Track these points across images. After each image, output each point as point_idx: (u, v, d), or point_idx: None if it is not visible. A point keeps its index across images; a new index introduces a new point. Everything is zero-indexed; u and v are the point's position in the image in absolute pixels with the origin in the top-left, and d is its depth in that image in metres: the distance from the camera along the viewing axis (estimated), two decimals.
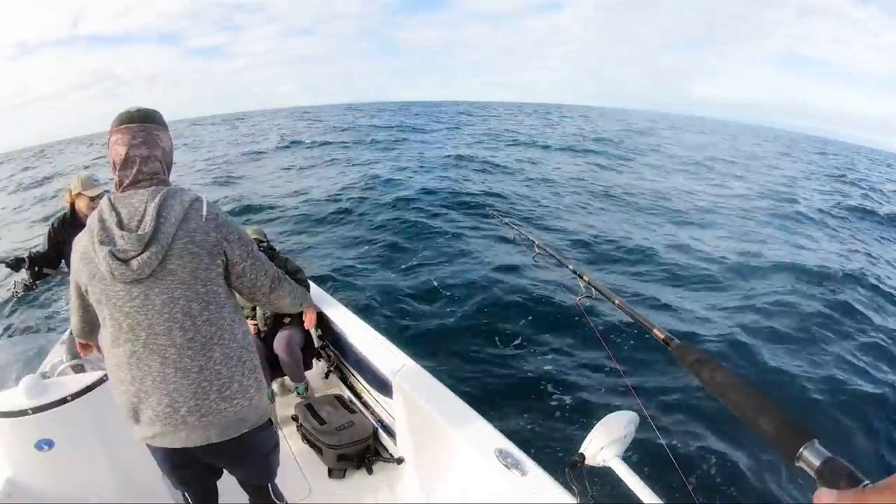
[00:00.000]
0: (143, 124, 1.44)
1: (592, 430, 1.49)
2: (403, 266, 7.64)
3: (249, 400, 1.49)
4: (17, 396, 1.82)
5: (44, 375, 2.09)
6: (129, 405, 1.42)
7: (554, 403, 4.25)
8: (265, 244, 3.27)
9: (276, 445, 1.80)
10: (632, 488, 1.29)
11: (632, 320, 1.34)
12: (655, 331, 1.17)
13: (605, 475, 1.43)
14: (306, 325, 2.23)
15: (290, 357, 3.07)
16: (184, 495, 1.79)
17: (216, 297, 1.44)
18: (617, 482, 1.37)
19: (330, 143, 24.98)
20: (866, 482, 0.51)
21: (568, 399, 4.30)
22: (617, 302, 1.47)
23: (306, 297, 1.89)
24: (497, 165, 16.97)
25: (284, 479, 2.65)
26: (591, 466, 1.45)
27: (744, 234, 10.45)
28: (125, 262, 1.31)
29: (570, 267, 1.89)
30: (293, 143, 25.84)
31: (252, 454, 1.66)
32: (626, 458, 1.42)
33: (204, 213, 1.43)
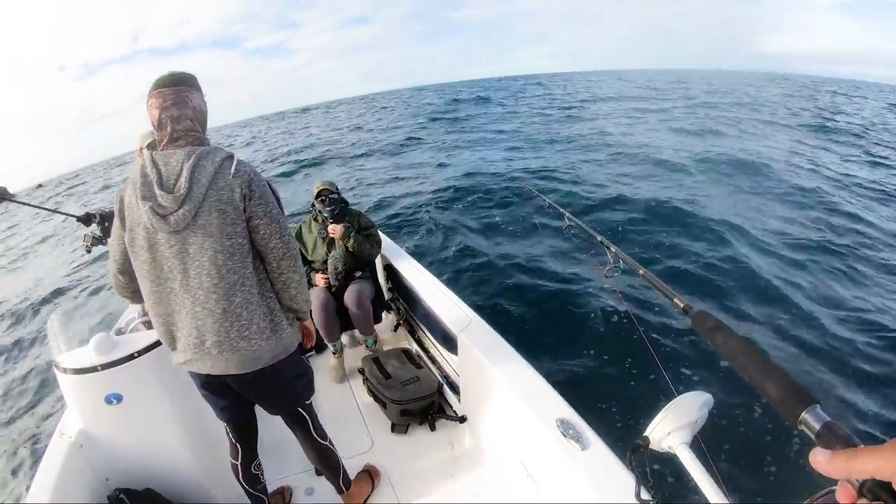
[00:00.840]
0: (173, 87, 1.59)
1: (661, 412, 1.34)
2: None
3: (266, 340, 1.65)
4: (87, 353, 1.91)
5: (119, 332, 2.20)
6: (168, 334, 1.65)
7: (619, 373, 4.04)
8: (335, 195, 3.26)
9: (304, 374, 1.94)
10: (696, 480, 1.16)
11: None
12: (676, 300, 1.21)
13: (670, 462, 1.28)
14: (305, 343, 2.03)
15: (359, 310, 3.07)
16: (226, 430, 2.00)
17: (240, 249, 1.58)
18: (681, 472, 1.23)
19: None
20: (860, 446, 0.49)
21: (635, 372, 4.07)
22: (641, 272, 1.49)
23: (307, 298, 1.80)
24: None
25: (348, 432, 2.72)
26: (654, 451, 1.31)
27: None
28: (164, 217, 1.51)
29: (599, 238, 1.90)
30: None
31: (275, 384, 1.82)
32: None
33: (231, 171, 1.58)
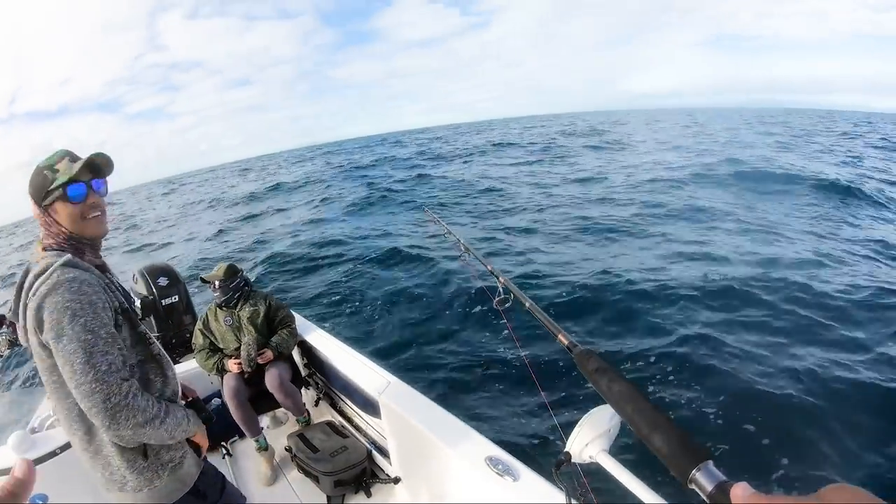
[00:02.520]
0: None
1: (576, 427, 1.50)
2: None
3: (117, 492, 1.47)
4: (5, 453, 1.83)
5: (33, 430, 2.10)
6: None
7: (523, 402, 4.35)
8: (229, 282, 3.14)
9: None
10: (622, 482, 1.26)
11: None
12: (560, 336, 1.20)
13: (594, 472, 1.39)
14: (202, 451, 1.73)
15: (285, 395, 3.02)
16: None
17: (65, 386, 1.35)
18: (606, 477, 1.33)
19: None
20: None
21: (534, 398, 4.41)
22: (528, 305, 1.49)
23: (148, 433, 1.36)
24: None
25: None
26: (578, 464, 1.47)
27: None
28: None
29: (489, 267, 1.94)
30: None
31: None
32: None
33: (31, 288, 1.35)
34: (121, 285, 1.57)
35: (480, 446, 2.08)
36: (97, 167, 1.45)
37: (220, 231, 16.13)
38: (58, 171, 1.38)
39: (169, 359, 1.56)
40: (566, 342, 1.17)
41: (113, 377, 1.27)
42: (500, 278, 1.75)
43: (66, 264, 1.33)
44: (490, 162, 24.56)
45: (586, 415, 1.41)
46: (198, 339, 3.20)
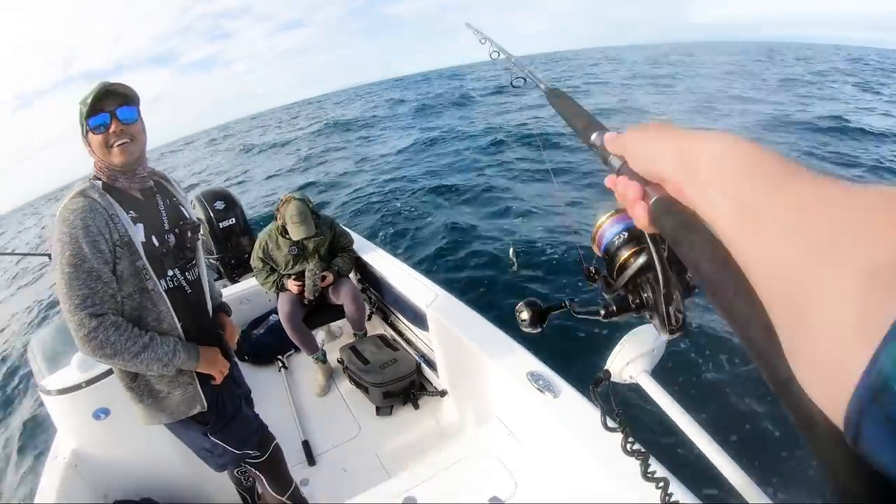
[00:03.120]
0: None
1: (618, 344, 1.39)
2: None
3: (134, 405, 1.63)
4: (71, 372, 1.94)
5: None
6: None
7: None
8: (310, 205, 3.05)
9: (209, 450, 1.79)
10: (662, 406, 1.19)
11: None
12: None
13: (635, 392, 1.32)
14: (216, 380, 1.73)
15: (357, 306, 3.05)
16: None
17: None
18: (647, 400, 1.26)
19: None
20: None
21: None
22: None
23: (140, 360, 1.46)
24: None
25: (335, 421, 2.78)
26: (617, 383, 1.37)
27: None
28: None
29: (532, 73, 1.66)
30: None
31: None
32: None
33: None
34: (179, 206, 1.69)
35: (523, 360, 2.03)
36: (120, 96, 1.47)
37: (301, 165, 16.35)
38: (87, 103, 1.44)
39: (163, 295, 1.54)
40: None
41: (84, 311, 1.35)
42: (542, 84, 1.54)
43: (76, 195, 1.43)
44: None
45: (630, 332, 1.33)
46: (256, 262, 3.17)
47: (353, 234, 3.54)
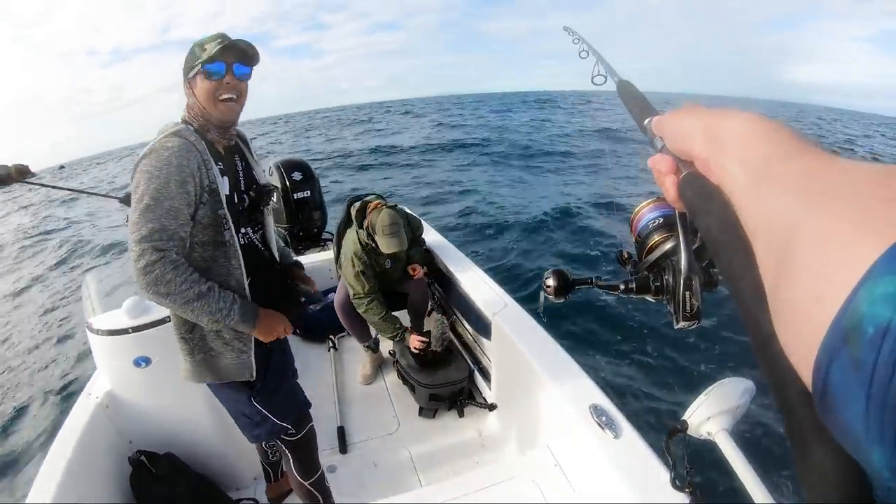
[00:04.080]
0: None
1: (700, 396, 1.26)
2: None
3: (184, 357, 1.59)
4: (120, 316, 1.94)
5: None
6: None
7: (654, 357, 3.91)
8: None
9: (248, 416, 1.70)
10: (736, 470, 1.08)
11: None
12: None
13: (708, 450, 1.20)
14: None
15: (421, 298, 2.97)
16: None
17: None
18: (719, 460, 1.15)
19: None
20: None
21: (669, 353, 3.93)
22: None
23: (193, 307, 1.38)
24: None
25: (375, 413, 2.68)
26: (692, 437, 1.23)
27: None
28: None
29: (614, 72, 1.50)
30: None
31: (225, 406, 1.77)
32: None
33: None
34: (252, 169, 1.67)
35: (588, 391, 1.88)
36: (241, 52, 1.47)
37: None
38: (206, 49, 1.42)
39: (238, 249, 1.50)
40: None
41: (149, 243, 1.30)
42: (615, 77, 1.45)
43: (171, 134, 1.41)
44: None
45: (715, 384, 1.24)
46: (360, 286, 2.67)
47: (424, 224, 3.44)
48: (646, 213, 0.64)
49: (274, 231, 1.77)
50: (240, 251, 1.50)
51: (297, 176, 3.77)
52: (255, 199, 1.63)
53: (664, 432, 1.27)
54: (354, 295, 2.70)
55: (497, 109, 42.70)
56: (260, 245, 1.65)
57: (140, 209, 1.31)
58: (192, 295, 1.36)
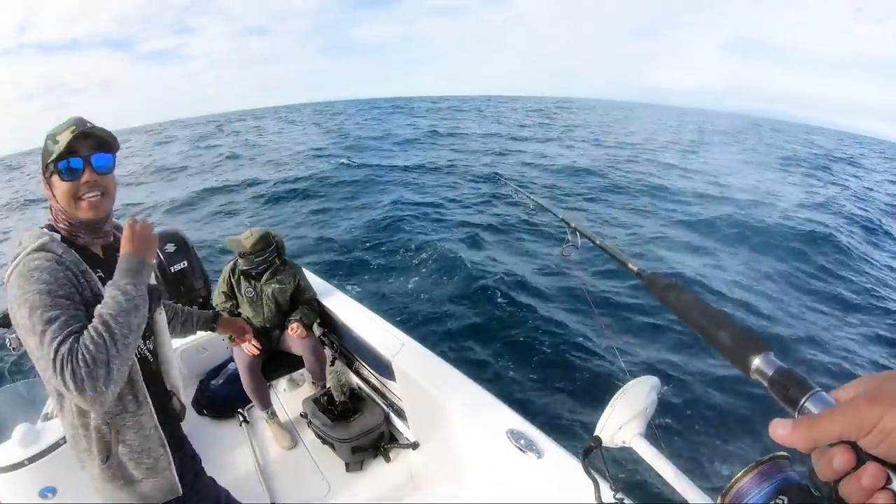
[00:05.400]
0: None
1: (608, 407, 1.32)
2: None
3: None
4: (12, 448, 1.78)
5: (46, 417, 2.04)
6: None
7: (558, 369, 4.16)
8: (264, 254, 2.86)
9: None
10: (661, 473, 1.13)
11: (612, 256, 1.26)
12: (630, 264, 1.14)
13: (630, 454, 1.25)
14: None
15: (316, 359, 2.93)
16: None
17: None
18: (641, 462, 1.19)
19: None
20: (816, 389, 0.48)
21: (571, 361, 4.21)
22: (598, 242, 1.39)
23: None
24: None
25: (302, 479, 2.65)
26: (609, 448, 1.27)
27: None
28: None
29: (558, 214, 1.73)
30: None
31: None
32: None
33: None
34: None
35: (502, 416, 1.95)
36: (98, 140, 1.28)
37: None
38: (58, 141, 1.23)
39: (136, 363, 1.34)
40: (635, 269, 1.11)
41: (54, 332, 1.09)
42: (572, 223, 1.62)
43: (34, 250, 1.20)
44: None
45: (619, 391, 1.26)
46: (218, 300, 3.02)
47: (310, 274, 3.41)
48: (751, 487, 0.52)
49: (167, 331, 1.58)
50: (137, 366, 1.33)
51: (169, 248, 3.56)
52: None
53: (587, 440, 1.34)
54: (215, 303, 3.06)
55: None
56: (150, 356, 1.47)
57: (29, 327, 1.09)
58: (124, 333, 1.13)
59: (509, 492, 1.93)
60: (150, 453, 1.39)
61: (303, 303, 3.02)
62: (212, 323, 1.89)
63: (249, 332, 1.89)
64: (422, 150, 20.05)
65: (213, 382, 3.30)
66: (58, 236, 1.27)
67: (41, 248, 1.21)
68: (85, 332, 1.11)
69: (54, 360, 1.05)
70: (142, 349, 1.44)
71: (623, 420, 1.20)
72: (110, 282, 1.21)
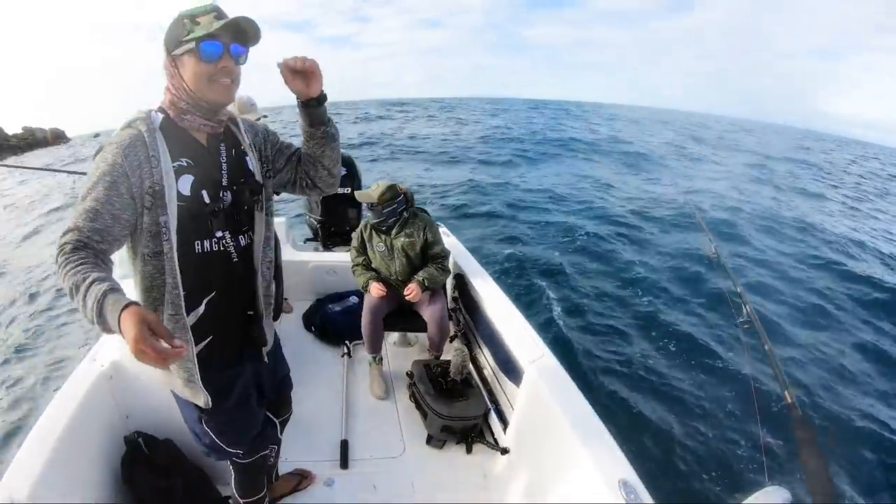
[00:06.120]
0: None
1: None
2: None
3: None
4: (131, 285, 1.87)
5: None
6: None
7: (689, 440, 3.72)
8: (392, 205, 2.82)
9: (197, 433, 1.56)
10: None
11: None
12: (787, 393, 1.17)
13: None
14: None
15: (440, 329, 2.87)
16: None
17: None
18: None
19: None
20: None
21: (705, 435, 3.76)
22: (767, 348, 1.42)
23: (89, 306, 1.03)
24: None
25: (382, 432, 2.59)
26: None
27: None
28: None
29: (739, 289, 1.68)
30: None
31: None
32: None
33: None
34: (244, 159, 1.41)
35: (618, 463, 1.76)
36: (241, 31, 1.25)
37: None
38: (198, 23, 1.21)
39: (175, 264, 1.24)
40: (791, 400, 1.14)
41: (62, 235, 1.14)
42: (748, 305, 1.62)
43: (126, 125, 1.24)
44: None
45: (751, 496, 1.18)
46: (353, 254, 3.07)
47: (459, 245, 3.33)
48: None
49: (274, 234, 1.53)
50: (177, 267, 1.25)
51: (342, 171, 3.70)
52: (238, 196, 1.38)
53: None
54: (352, 259, 3.08)
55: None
56: (234, 254, 1.39)
57: (79, 200, 1.18)
58: (73, 286, 1.08)
59: None
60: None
61: (433, 258, 2.91)
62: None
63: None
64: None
65: (331, 306, 3.36)
66: (159, 117, 1.28)
67: (129, 125, 1.23)
68: (72, 259, 1.09)
69: (58, 248, 1.12)
70: (227, 243, 1.36)
71: None
72: (110, 293, 1.03)
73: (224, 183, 1.35)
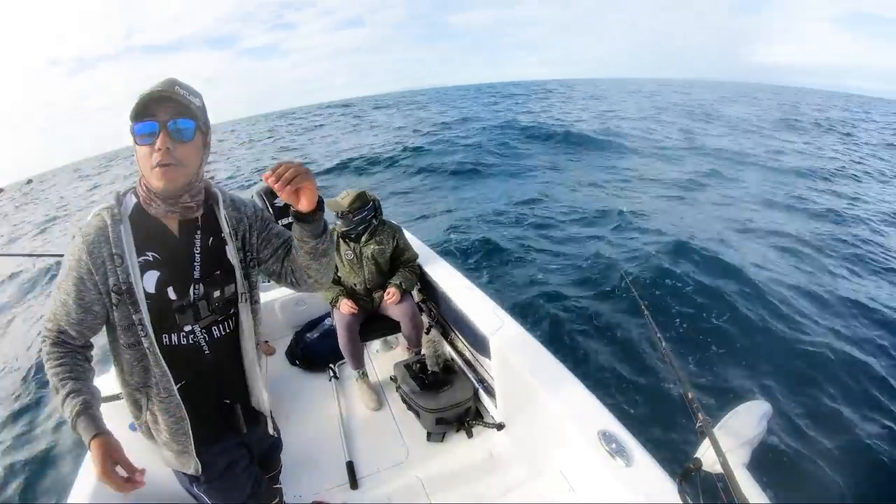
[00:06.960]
0: None
1: (715, 429, 1.19)
2: None
3: None
4: (112, 380, 1.89)
5: None
6: None
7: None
8: (363, 212, 2.86)
9: (190, 492, 1.54)
10: None
11: None
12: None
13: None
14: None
15: (413, 325, 2.93)
16: None
17: None
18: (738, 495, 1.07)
19: None
20: None
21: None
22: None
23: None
24: None
25: (382, 442, 2.64)
26: (708, 473, 1.18)
27: None
28: None
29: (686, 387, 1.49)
30: None
31: None
32: None
33: None
34: (223, 247, 1.34)
35: (596, 416, 1.81)
36: (172, 101, 1.15)
37: None
38: (137, 100, 1.14)
39: (159, 356, 1.25)
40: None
41: (46, 325, 1.24)
42: (690, 393, 1.43)
43: (97, 212, 1.22)
44: None
45: (727, 415, 1.22)
46: None
47: (414, 240, 3.37)
48: None
49: (250, 321, 1.42)
50: (161, 358, 1.25)
51: (279, 202, 3.69)
52: (209, 289, 1.30)
53: (680, 453, 1.23)
54: None
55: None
56: (206, 347, 1.33)
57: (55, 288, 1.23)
58: (53, 388, 1.18)
59: (587, 493, 1.83)
60: (172, 432, 1.34)
61: (403, 264, 3.01)
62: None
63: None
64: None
65: (308, 335, 3.40)
66: (132, 202, 1.25)
67: (98, 215, 1.21)
68: (52, 356, 1.22)
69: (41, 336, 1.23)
70: (197, 336, 1.32)
71: (728, 446, 1.12)
72: (83, 415, 1.14)
73: (196, 276, 1.28)
